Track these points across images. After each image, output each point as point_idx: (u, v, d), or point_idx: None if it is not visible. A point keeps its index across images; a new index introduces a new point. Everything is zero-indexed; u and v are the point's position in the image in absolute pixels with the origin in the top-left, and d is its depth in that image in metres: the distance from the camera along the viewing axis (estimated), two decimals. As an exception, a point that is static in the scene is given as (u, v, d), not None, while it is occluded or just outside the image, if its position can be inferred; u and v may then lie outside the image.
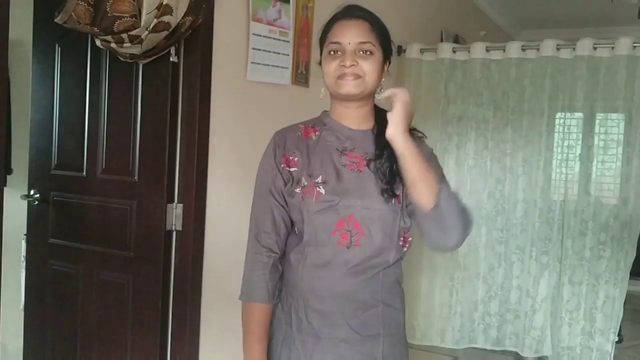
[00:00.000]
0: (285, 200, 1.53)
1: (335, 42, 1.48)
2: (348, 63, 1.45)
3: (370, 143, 1.54)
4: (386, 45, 1.53)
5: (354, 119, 1.55)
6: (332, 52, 1.49)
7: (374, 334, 1.51)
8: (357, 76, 1.46)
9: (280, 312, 1.57)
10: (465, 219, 1.44)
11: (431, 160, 1.53)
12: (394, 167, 1.48)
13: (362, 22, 1.49)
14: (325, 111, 1.62)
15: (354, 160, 1.52)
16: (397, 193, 1.49)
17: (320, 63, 1.56)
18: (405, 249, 1.55)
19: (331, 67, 1.48)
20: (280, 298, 1.57)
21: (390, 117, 1.41)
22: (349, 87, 1.47)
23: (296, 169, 1.52)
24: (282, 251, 1.56)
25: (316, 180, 1.49)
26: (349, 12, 1.51)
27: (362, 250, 1.48)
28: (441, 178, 1.48)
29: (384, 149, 1.50)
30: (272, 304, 1.54)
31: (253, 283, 1.53)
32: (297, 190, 1.50)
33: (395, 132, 1.40)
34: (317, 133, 1.57)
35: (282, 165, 1.53)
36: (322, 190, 1.48)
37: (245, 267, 1.56)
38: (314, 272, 1.50)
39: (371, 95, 1.54)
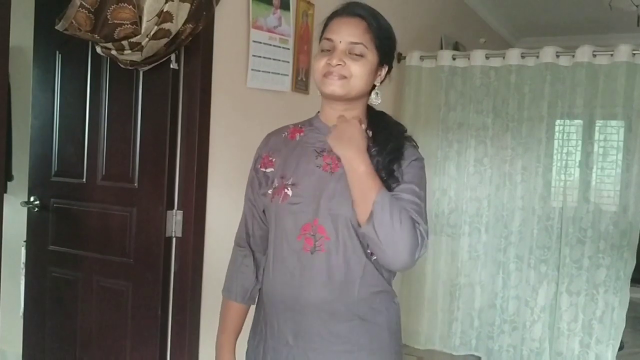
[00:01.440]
0: (260, 203, 1.55)
1: (327, 39, 1.43)
2: (334, 62, 1.39)
3: None
4: (384, 48, 1.46)
5: None
6: (323, 49, 1.44)
7: (347, 349, 1.44)
8: (343, 76, 1.40)
9: (261, 316, 1.55)
10: (407, 241, 1.32)
11: (410, 167, 1.45)
12: (392, 163, 1.42)
13: (358, 21, 1.42)
14: (319, 112, 1.57)
15: (329, 161, 1.46)
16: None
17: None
18: (375, 258, 1.42)
19: (319, 63, 1.42)
20: (261, 303, 1.56)
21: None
22: (333, 86, 1.41)
23: (272, 169, 1.52)
24: (260, 252, 1.58)
25: (286, 182, 1.46)
26: (348, 9, 1.45)
27: (327, 256, 1.41)
28: (406, 189, 1.40)
29: (384, 145, 1.44)
30: (245, 303, 1.58)
31: (231, 281, 1.59)
32: (269, 191, 1.48)
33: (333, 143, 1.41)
34: (301, 134, 1.54)
35: (258, 166, 1.55)
36: (290, 192, 1.45)
37: (230, 262, 1.63)
38: (283, 278, 1.46)
39: (360, 98, 1.47)
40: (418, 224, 1.35)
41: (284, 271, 1.46)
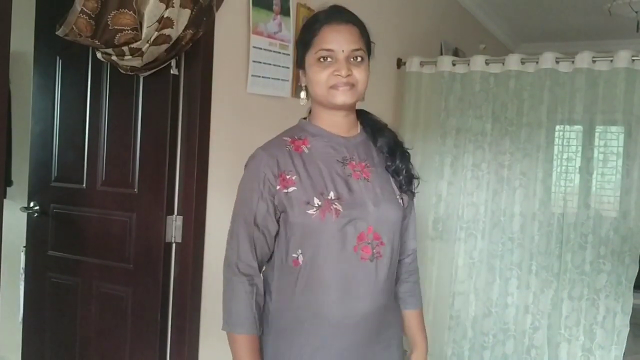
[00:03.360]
0: (273, 227, 1.45)
1: (326, 49, 1.41)
2: (344, 73, 1.39)
3: (364, 148, 1.52)
4: (369, 48, 1.49)
5: (343, 126, 1.50)
6: (322, 59, 1.41)
7: (386, 345, 1.51)
8: (352, 85, 1.41)
9: (285, 345, 1.46)
10: None
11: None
12: (411, 167, 1.55)
13: (352, 27, 1.44)
14: (304, 119, 1.55)
15: (357, 169, 1.47)
16: (415, 191, 1.56)
17: (300, 66, 1.49)
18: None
19: (322, 75, 1.41)
20: (294, 326, 1.46)
21: None
22: (344, 96, 1.41)
23: (295, 188, 1.41)
24: (260, 277, 1.47)
25: (329, 197, 1.40)
26: (338, 16, 1.44)
27: (385, 261, 1.44)
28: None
29: (394, 150, 1.53)
30: (259, 334, 1.46)
31: (239, 314, 1.43)
32: (311, 211, 1.39)
33: None
34: (307, 145, 1.48)
35: (277, 187, 1.42)
36: (340, 207, 1.40)
37: (225, 295, 1.47)
38: (338, 294, 1.41)
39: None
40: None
41: (340, 286, 1.41)
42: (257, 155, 1.48)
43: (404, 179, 1.53)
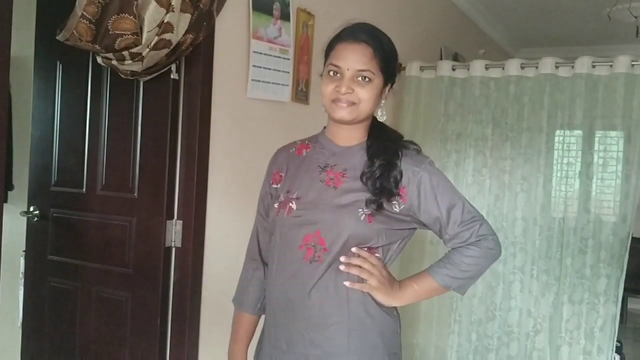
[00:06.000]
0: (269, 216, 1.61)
1: (334, 65, 1.47)
2: (343, 90, 1.45)
3: (355, 158, 1.53)
4: (389, 70, 1.51)
5: (346, 137, 1.55)
6: (330, 73, 1.48)
7: (337, 351, 1.48)
8: (352, 103, 1.46)
9: (264, 325, 1.63)
10: (488, 260, 1.75)
11: (439, 183, 1.52)
12: (385, 178, 1.46)
13: (364, 47, 1.46)
14: (325, 127, 1.62)
15: (332, 176, 1.52)
16: (385, 207, 1.46)
17: (322, 75, 1.55)
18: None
19: (328, 88, 1.48)
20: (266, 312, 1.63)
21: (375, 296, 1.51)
22: (342, 112, 1.47)
23: (281, 184, 1.59)
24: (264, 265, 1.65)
25: (291, 196, 1.53)
26: (352, 35, 1.48)
27: (324, 266, 1.47)
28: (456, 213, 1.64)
29: (374, 158, 1.50)
30: (256, 314, 1.66)
31: (242, 293, 1.67)
32: (275, 205, 1.56)
33: (394, 302, 1.53)
34: (308, 150, 1.61)
35: (270, 182, 1.63)
36: (294, 206, 1.51)
37: (241, 273, 1.70)
38: (282, 286, 1.52)
39: (367, 118, 1.54)
40: (485, 235, 1.72)
41: (283, 279, 1.52)
42: (274, 153, 1.69)
43: (375, 190, 1.46)
